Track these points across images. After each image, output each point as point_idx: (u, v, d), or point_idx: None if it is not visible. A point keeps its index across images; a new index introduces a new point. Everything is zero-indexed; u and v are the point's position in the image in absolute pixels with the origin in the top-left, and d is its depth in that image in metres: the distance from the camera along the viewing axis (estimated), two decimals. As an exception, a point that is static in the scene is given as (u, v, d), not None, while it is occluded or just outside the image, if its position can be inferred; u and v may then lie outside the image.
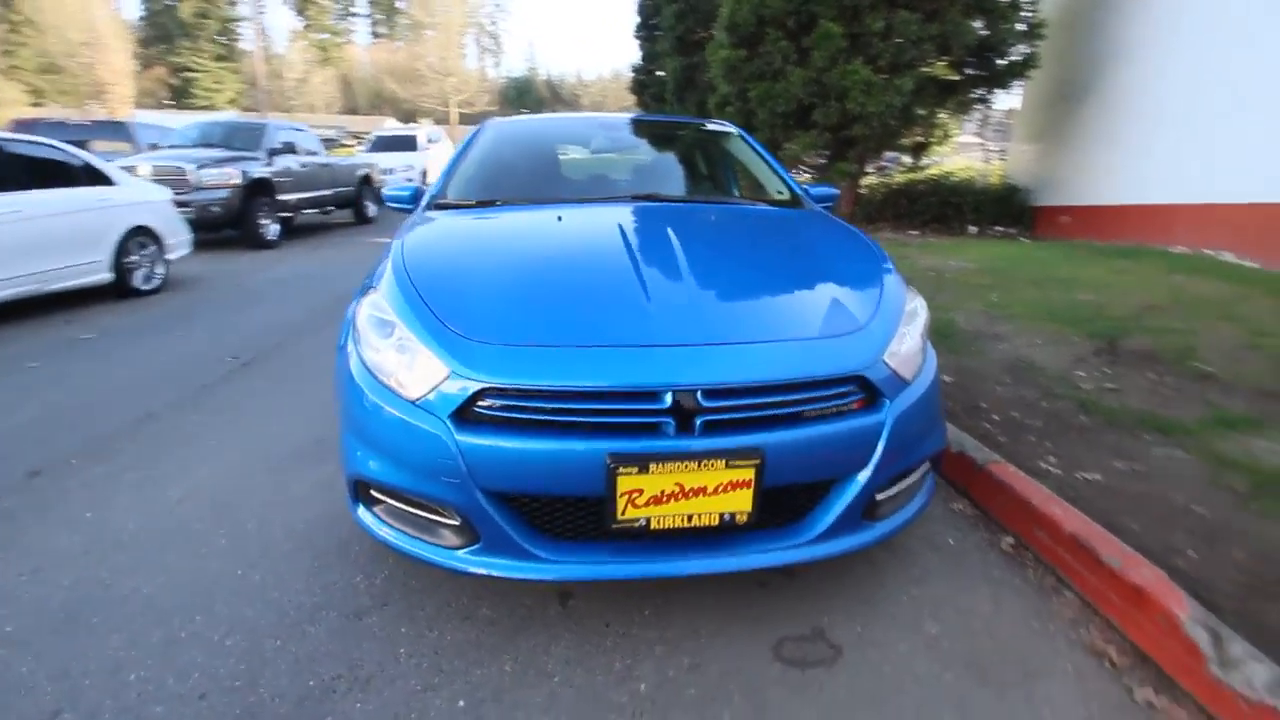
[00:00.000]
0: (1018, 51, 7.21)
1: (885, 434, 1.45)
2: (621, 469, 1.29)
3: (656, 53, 13.08)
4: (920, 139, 8.29)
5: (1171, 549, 1.76)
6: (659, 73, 13.58)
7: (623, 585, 1.69)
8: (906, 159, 8.81)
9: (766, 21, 7.43)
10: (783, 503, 1.45)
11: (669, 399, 1.33)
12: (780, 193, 2.60)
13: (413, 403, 1.41)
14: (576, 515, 1.41)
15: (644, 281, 1.59)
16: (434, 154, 15.60)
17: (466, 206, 2.36)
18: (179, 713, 1.33)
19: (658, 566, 1.40)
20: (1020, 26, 6.98)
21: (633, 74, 14.21)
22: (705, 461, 1.31)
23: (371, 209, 10.75)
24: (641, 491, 1.32)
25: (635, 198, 2.30)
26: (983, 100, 8.06)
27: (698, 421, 1.33)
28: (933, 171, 9.43)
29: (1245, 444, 2.37)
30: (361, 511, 1.59)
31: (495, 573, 1.41)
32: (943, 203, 8.49)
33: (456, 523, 1.42)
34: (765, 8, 7.31)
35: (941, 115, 8.08)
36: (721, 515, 1.36)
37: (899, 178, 9.18)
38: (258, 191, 7.95)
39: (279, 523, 2.04)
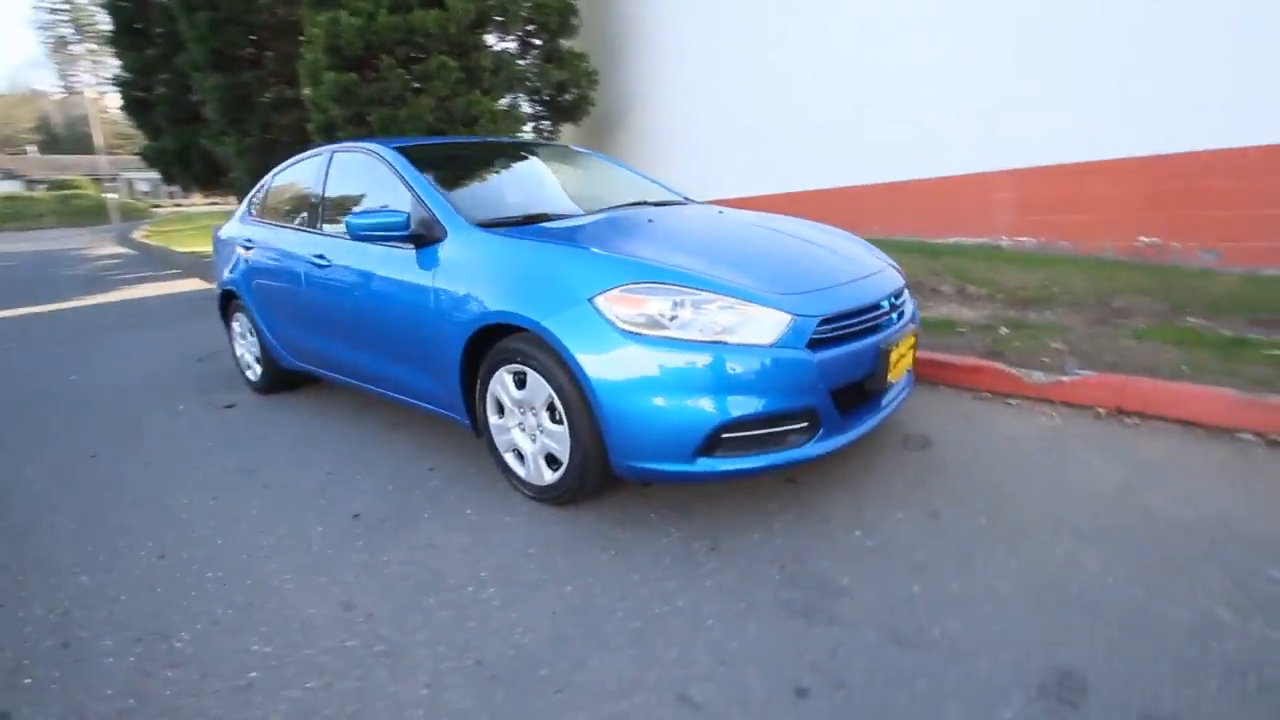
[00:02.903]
0: (580, 93, 9.14)
1: (916, 314, 2.61)
2: (892, 350, 2.10)
3: (157, 64, 10.87)
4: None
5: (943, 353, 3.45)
6: (161, 89, 11.32)
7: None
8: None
9: (375, 46, 7.49)
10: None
11: (886, 304, 2.19)
12: (675, 192, 3.42)
13: (771, 345, 1.88)
14: (850, 392, 2.12)
15: (799, 244, 2.34)
16: None
17: (515, 224, 2.47)
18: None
19: (883, 412, 2.24)
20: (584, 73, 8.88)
21: (120, 90, 11.31)
22: (907, 336, 2.23)
23: None
24: (892, 362, 2.15)
25: (634, 205, 2.83)
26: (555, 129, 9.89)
27: (894, 315, 2.23)
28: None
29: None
30: (702, 462, 1.91)
31: (829, 449, 2.01)
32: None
33: (804, 424, 1.97)
34: (373, 34, 7.38)
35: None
36: (905, 370, 2.30)
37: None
38: None
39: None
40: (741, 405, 1.88)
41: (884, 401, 2.28)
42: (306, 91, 7.98)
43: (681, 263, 2.07)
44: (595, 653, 1.56)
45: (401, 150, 2.87)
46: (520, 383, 2.22)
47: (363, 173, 3.02)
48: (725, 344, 1.89)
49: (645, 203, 2.97)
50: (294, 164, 3.58)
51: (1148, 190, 4.40)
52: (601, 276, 2.02)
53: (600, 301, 1.98)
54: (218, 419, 3.54)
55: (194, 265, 11.29)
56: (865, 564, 1.82)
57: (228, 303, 3.99)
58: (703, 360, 1.87)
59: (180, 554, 2.17)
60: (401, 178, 2.70)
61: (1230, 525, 1.87)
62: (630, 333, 1.93)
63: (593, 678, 1.48)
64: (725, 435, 1.91)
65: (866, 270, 2.32)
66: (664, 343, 1.90)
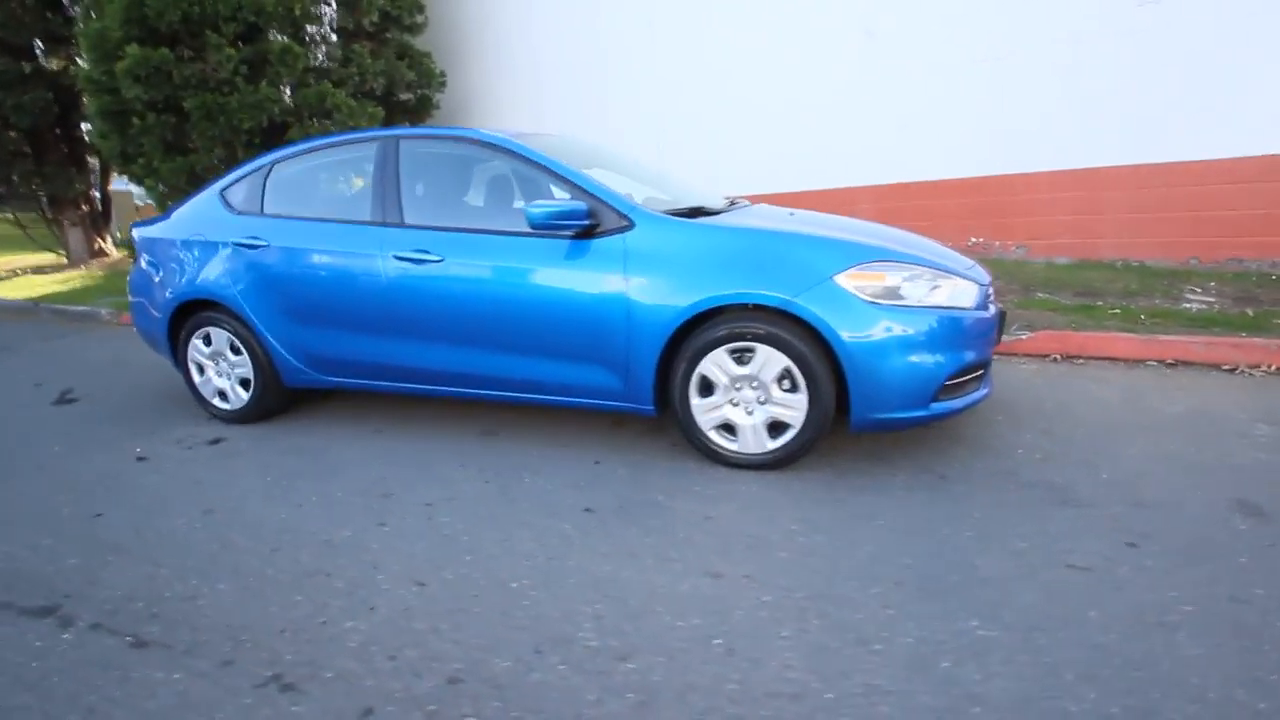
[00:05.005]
0: (424, 93, 8.69)
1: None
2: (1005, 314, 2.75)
3: None
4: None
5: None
6: None
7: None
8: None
9: (196, 21, 6.34)
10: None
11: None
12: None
13: (972, 309, 2.38)
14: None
15: (916, 235, 2.88)
16: None
17: (704, 213, 2.64)
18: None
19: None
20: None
21: None
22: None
23: None
24: (997, 322, 2.80)
25: (737, 202, 3.13)
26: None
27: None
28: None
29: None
30: (934, 406, 2.33)
31: (989, 393, 2.57)
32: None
33: (981, 373, 2.49)
34: (194, 5, 6.23)
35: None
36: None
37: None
38: None
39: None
40: (961, 358, 2.35)
41: None
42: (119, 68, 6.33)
43: (880, 244, 2.47)
44: (972, 556, 1.89)
45: (521, 141, 2.76)
46: (739, 359, 2.40)
47: (462, 165, 2.84)
48: (947, 308, 2.34)
49: (737, 199, 3.26)
50: (310, 152, 3.10)
51: (974, 202, 5.89)
52: (839, 257, 2.33)
53: (841, 279, 2.29)
54: (220, 455, 2.93)
55: None
56: (1052, 467, 2.41)
57: (183, 319, 3.25)
58: (936, 323, 2.30)
59: (440, 578, 1.92)
60: (547, 170, 2.63)
61: (1204, 411, 2.87)
62: (874, 303, 2.27)
63: (995, 571, 1.82)
64: (948, 383, 2.36)
65: None
66: (904, 310, 2.28)
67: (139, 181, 7.09)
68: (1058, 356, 3.71)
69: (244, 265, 3.03)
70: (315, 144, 3.11)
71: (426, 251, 2.70)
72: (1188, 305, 4.33)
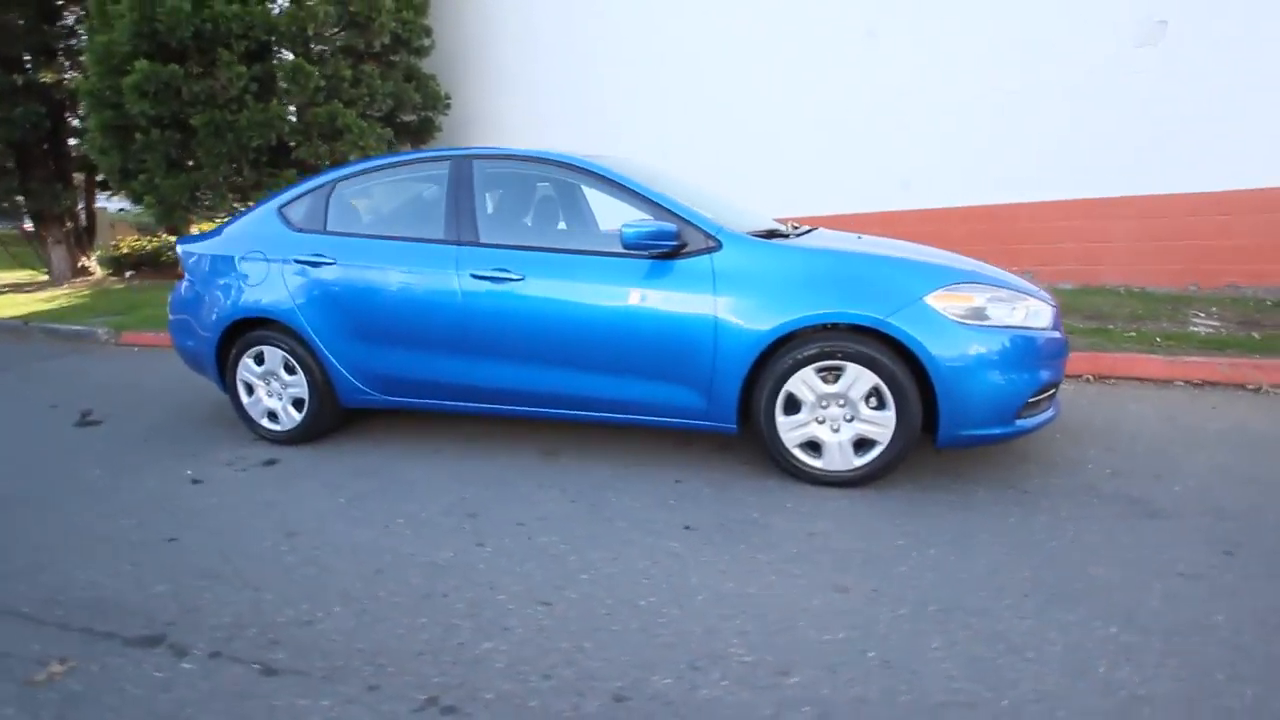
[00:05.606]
0: (427, 115, 8.69)
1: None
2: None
3: None
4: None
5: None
6: None
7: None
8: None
9: (208, 37, 6.27)
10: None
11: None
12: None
13: (1048, 329, 2.47)
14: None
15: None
16: None
17: (778, 235, 2.69)
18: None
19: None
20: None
21: None
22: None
23: None
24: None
25: (798, 225, 3.20)
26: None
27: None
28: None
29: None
30: (1017, 423, 2.41)
31: (1059, 413, 2.66)
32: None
33: (1053, 392, 2.58)
34: (206, 22, 6.17)
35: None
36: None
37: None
38: None
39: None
40: (1039, 377, 2.43)
41: None
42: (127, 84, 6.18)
43: (966, 267, 2.57)
44: (1086, 567, 1.95)
45: (601, 162, 2.80)
46: (825, 378, 2.45)
47: (538, 185, 2.84)
48: (1027, 329, 2.43)
49: (796, 224, 3.34)
50: (376, 170, 3.08)
51: (983, 229, 6.12)
52: (929, 279, 2.41)
53: (931, 299, 2.36)
54: (281, 477, 2.87)
55: None
56: (1125, 481, 2.51)
57: (233, 338, 3.17)
58: (1019, 343, 2.38)
59: (564, 598, 1.90)
60: (631, 191, 2.67)
61: (1244, 428, 3.01)
62: (962, 323, 2.35)
63: (1113, 580, 1.88)
64: (1030, 401, 2.44)
65: None
66: (990, 330, 2.36)
67: (138, 199, 6.91)
68: (1090, 377, 3.86)
69: (306, 283, 2.98)
70: (381, 162, 3.10)
71: (506, 270, 2.70)
72: (1196, 329, 4.55)
